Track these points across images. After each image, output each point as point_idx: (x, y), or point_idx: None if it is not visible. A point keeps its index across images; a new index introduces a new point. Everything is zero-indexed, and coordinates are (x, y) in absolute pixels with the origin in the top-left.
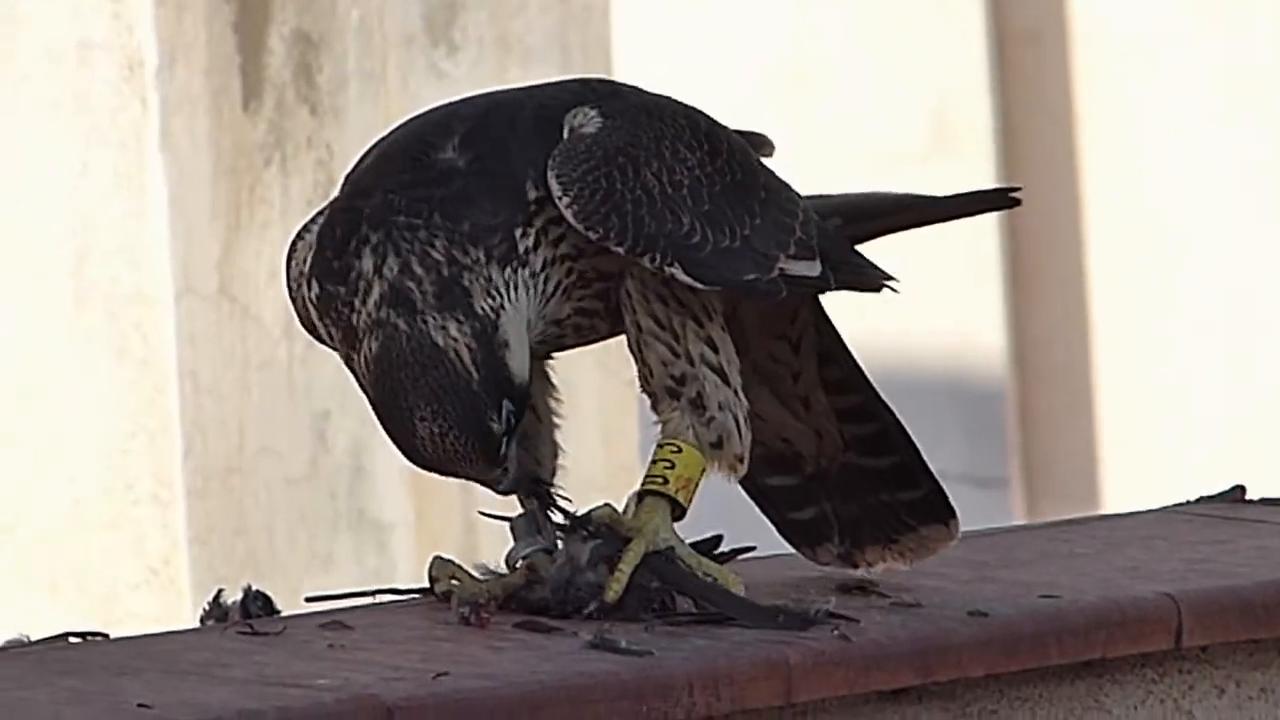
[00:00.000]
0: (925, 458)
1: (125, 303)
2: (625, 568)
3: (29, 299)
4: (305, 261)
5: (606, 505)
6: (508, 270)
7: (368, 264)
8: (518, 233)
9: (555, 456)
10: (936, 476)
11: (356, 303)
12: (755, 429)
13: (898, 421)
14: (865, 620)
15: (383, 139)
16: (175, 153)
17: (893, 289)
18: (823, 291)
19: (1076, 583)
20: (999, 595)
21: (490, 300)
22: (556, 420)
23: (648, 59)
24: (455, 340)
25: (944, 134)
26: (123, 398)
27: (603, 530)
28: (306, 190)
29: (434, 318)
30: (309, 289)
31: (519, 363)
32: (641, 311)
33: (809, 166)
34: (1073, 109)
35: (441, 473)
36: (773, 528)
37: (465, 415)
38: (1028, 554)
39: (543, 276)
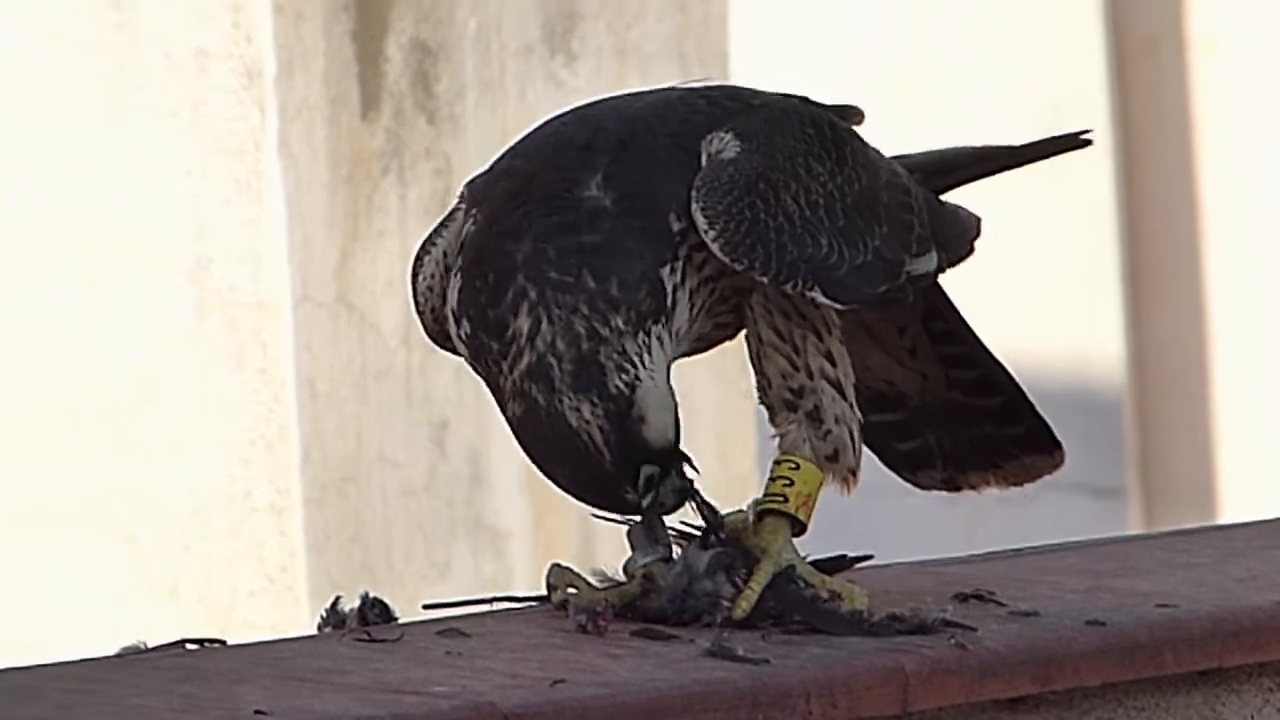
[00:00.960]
0: (1031, 399)
1: (244, 311)
2: (755, 586)
3: (149, 307)
4: (433, 276)
5: (741, 512)
6: (642, 335)
7: (524, 324)
8: (664, 271)
9: None
10: (1042, 415)
11: (505, 366)
12: (860, 374)
13: (1002, 367)
14: (982, 629)
15: (515, 153)
16: (293, 161)
17: (980, 230)
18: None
19: (1193, 592)
20: (1116, 605)
21: (624, 376)
22: None
23: (764, 67)
24: (588, 422)
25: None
26: (242, 406)
27: (727, 539)
28: (424, 199)
29: (569, 398)
30: (457, 326)
31: (658, 430)
32: (764, 324)
33: None
34: (1190, 115)
35: None
36: (875, 457)
37: (600, 489)
38: (1145, 563)
39: (688, 304)
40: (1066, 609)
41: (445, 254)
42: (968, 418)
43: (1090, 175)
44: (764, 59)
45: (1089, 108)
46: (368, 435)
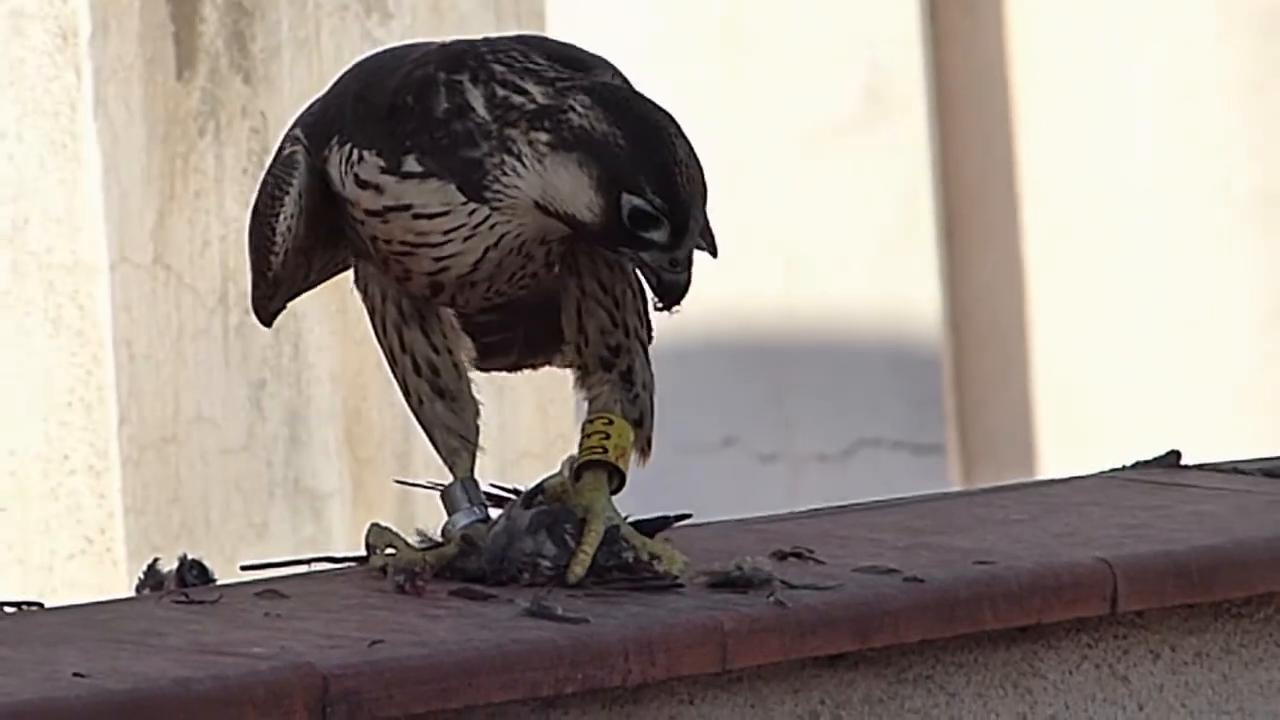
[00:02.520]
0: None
1: (61, 272)
2: (588, 548)
3: None
4: (292, 216)
5: (558, 476)
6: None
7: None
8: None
9: (477, 415)
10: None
11: (506, 142)
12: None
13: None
14: (801, 586)
15: (337, 84)
16: (109, 121)
17: None
18: None
19: (1012, 549)
20: (935, 561)
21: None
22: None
23: (581, 22)
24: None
25: (879, 99)
26: (59, 367)
27: (548, 500)
28: (240, 159)
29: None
30: (393, 173)
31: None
32: (588, 275)
33: (744, 133)
34: (1007, 73)
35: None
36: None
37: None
38: (964, 520)
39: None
40: (885, 565)
41: (301, 194)
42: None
43: (906, 129)
44: (581, 14)
45: (905, 60)
46: (185, 396)
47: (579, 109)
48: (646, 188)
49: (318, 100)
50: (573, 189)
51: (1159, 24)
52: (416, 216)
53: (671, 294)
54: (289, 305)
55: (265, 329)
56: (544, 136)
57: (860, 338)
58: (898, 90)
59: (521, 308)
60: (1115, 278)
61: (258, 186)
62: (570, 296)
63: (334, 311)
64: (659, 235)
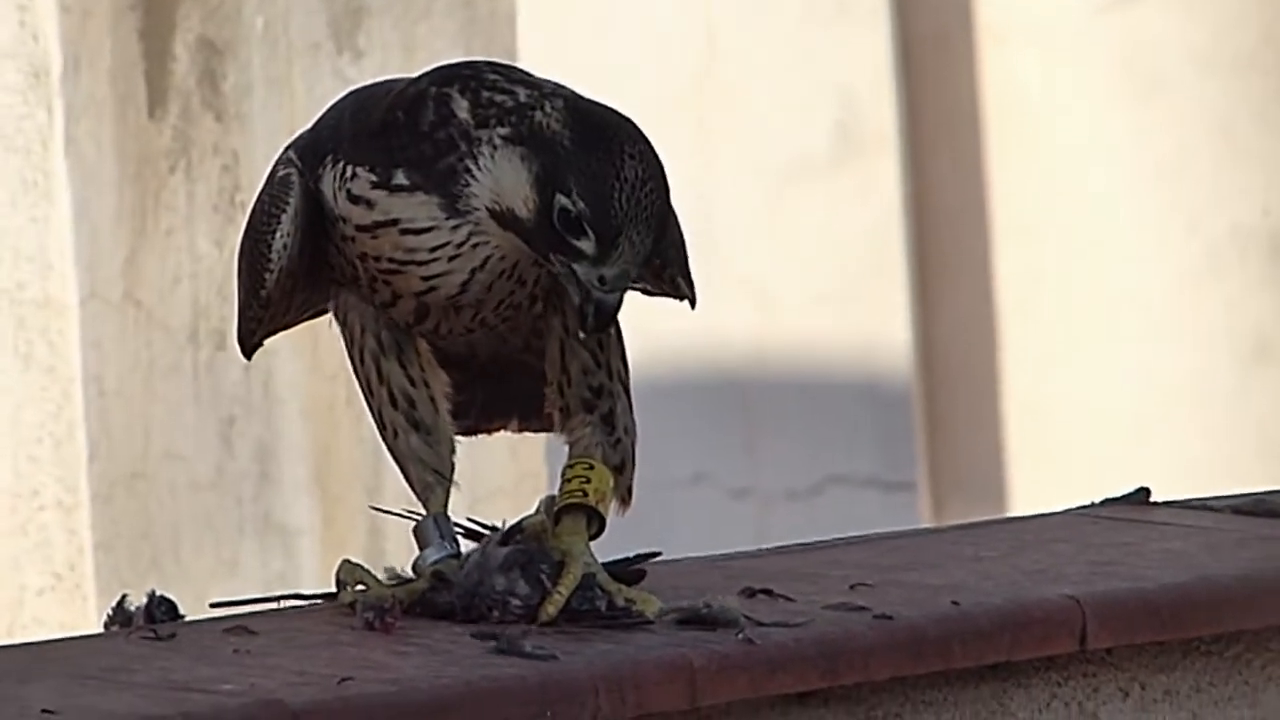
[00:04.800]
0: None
1: (32, 308)
2: (564, 589)
3: None
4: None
5: (538, 516)
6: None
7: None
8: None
9: (453, 450)
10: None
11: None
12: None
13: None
14: (770, 623)
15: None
16: (80, 159)
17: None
18: None
19: (982, 585)
20: (904, 599)
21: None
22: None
23: (553, 66)
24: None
25: (850, 136)
26: (29, 403)
27: (526, 539)
28: (211, 196)
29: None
30: (383, 186)
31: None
32: (572, 313)
33: (715, 169)
34: (979, 109)
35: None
36: None
37: None
38: (933, 557)
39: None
40: (855, 602)
41: (297, 212)
42: (519, 375)
43: (878, 167)
44: (552, 56)
45: (878, 99)
46: (156, 432)
47: (547, 109)
48: (574, 189)
49: (308, 128)
50: (514, 183)
51: (1132, 63)
52: (404, 232)
53: (596, 314)
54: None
55: (237, 364)
56: (503, 130)
57: (831, 374)
58: (869, 127)
59: (481, 366)
60: (1086, 315)
61: (249, 210)
62: (554, 335)
63: (305, 347)
64: (586, 245)
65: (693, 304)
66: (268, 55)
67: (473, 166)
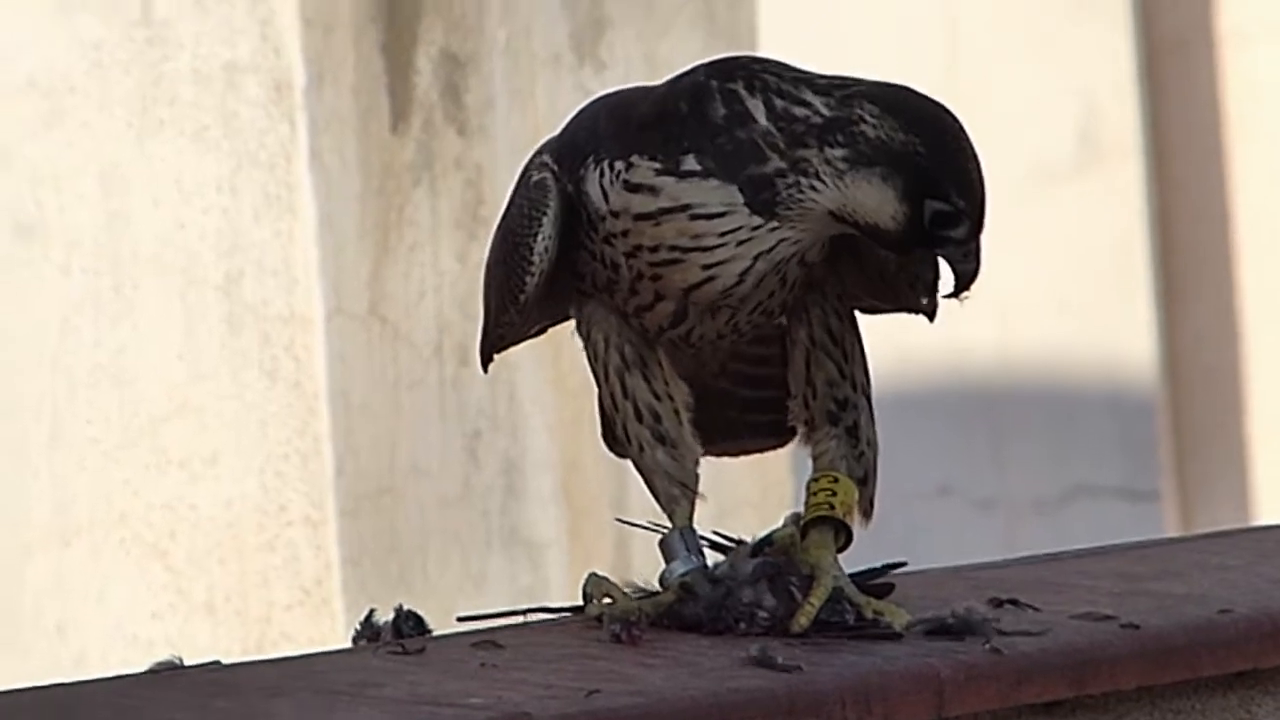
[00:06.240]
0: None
1: (277, 324)
2: (816, 601)
3: (182, 322)
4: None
5: (787, 529)
6: None
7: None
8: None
9: (697, 463)
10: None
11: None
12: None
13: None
14: (1016, 633)
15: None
16: (324, 173)
17: None
18: None
19: (1228, 594)
20: (1151, 607)
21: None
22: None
23: None
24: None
25: (1093, 144)
26: (275, 419)
27: (775, 551)
28: (454, 210)
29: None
30: (672, 172)
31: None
32: (818, 325)
33: None
34: (1221, 113)
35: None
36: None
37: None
38: (1180, 566)
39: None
40: (1102, 611)
41: (557, 215)
42: (718, 401)
43: (1122, 174)
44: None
45: (1121, 106)
46: (401, 447)
47: (870, 119)
48: (951, 192)
49: (556, 135)
50: (878, 202)
51: None
52: (694, 217)
53: (965, 281)
54: (502, 355)
55: (482, 379)
56: (839, 153)
57: (1076, 384)
58: (1112, 135)
59: (712, 388)
60: None
61: (501, 217)
62: (799, 346)
63: (548, 361)
64: (959, 233)
65: (931, 318)
66: (510, 68)
67: (808, 183)
